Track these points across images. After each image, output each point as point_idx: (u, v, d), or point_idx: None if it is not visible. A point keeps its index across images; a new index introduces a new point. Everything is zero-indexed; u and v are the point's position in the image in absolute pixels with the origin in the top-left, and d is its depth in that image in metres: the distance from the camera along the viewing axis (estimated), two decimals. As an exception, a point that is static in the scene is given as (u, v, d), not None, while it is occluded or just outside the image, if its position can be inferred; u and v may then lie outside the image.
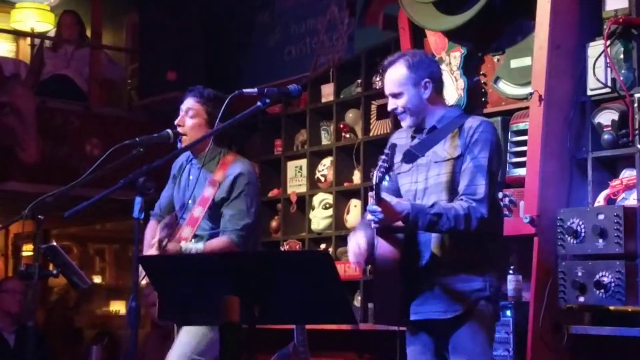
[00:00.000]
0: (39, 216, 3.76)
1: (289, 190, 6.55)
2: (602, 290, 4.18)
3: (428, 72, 3.65)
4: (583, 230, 4.27)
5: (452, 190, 3.55)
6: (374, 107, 6.07)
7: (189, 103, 4.34)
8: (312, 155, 6.42)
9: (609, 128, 4.39)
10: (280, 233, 6.54)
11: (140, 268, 3.34)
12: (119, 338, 8.45)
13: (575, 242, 4.30)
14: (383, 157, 3.38)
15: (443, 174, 3.57)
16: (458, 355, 3.52)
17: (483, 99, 4.92)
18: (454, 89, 4.91)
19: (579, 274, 4.28)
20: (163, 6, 7.49)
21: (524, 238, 4.44)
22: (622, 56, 4.39)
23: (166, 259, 3.75)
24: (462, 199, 3.50)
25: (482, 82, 4.93)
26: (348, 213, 6.13)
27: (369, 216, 3.45)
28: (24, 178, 7.08)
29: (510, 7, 4.77)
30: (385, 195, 3.41)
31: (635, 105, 4.28)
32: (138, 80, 7.95)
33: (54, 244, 4.08)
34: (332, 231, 6.19)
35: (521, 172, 4.59)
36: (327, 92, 6.40)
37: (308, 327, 5.42)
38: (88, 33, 8.19)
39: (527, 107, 4.62)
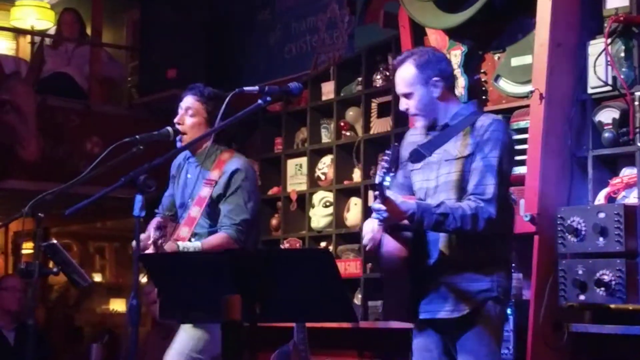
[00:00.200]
0: (39, 214, 3.76)
1: (289, 189, 6.55)
2: (603, 289, 4.17)
3: (437, 71, 3.62)
4: (583, 229, 4.27)
5: (462, 189, 3.52)
6: (374, 105, 6.07)
7: (189, 102, 4.33)
8: (312, 153, 6.42)
9: (610, 126, 4.39)
10: (280, 231, 6.54)
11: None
12: (119, 336, 8.45)
13: (575, 240, 4.30)
14: (385, 157, 3.36)
15: (453, 172, 3.54)
16: (465, 357, 3.51)
17: (484, 97, 4.92)
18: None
19: (580, 272, 4.27)
20: (163, 4, 7.48)
21: (524, 236, 4.43)
22: (622, 54, 4.39)
23: (167, 257, 3.75)
24: (470, 199, 3.47)
25: (483, 80, 4.93)
26: (348, 211, 6.13)
27: (374, 214, 3.44)
28: (24, 176, 7.08)
29: (511, 5, 4.76)
30: (390, 194, 3.37)
31: (636, 103, 4.28)
32: (138, 78, 7.95)
33: (55, 241, 4.07)
34: (332, 229, 6.19)
35: (522, 170, 4.58)
36: (328, 90, 6.39)
37: (308, 325, 5.42)
38: (88, 31, 8.19)
39: (527, 106, 4.61)
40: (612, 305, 4.17)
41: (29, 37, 8.89)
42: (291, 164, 6.59)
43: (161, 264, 3.40)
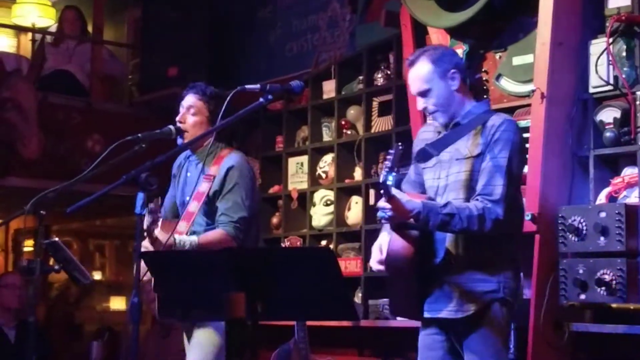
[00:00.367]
0: (41, 211, 3.76)
1: (290, 187, 6.55)
2: (604, 288, 4.17)
3: (453, 63, 3.61)
4: (584, 228, 4.26)
5: (471, 189, 3.50)
6: (375, 104, 6.07)
7: (191, 100, 4.31)
8: (313, 151, 6.42)
9: (611, 126, 4.39)
10: (281, 229, 6.54)
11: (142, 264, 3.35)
12: (120, 334, 8.45)
13: (576, 239, 4.30)
14: (388, 156, 3.34)
15: (462, 172, 3.53)
16: (470, 357, 3.50)
17: (485, 97, 4.91)
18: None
19: (580, 271, 4.27)
20: (164, 2, 7.49)
21: (525, 235, 4.43)
22: (624, 54, 4.38)
23: (168, 255, 3.74)
24: (478, 199, 3.46)
25: (484, 79, 4.92)
26: (349, 210, 6.13)
27: (379, 213, 3.43)
28: (25, 173, 7.08)
29: (513, 4, 4.76)
30: (396, 192, 3.36)
31: (638, 103, 4.28)
32: (139, 76, 7.94)
33: (56, 239, 4.07)
34: (333, 228, 6.19)
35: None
36: (329, 89, 6.40)
37: (308, 323, 5.43)
38: (89, 28, 8.18)
39: (529, 105, 4.61)
40: (613, 305, 4.17)
41: (30, 35, 8.88)
42: (292, 162, 6.59)
43: (162, 261, 3.40)
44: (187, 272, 3.24)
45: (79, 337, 9.36)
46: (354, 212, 6.08)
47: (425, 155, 3.57)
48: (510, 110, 4.77)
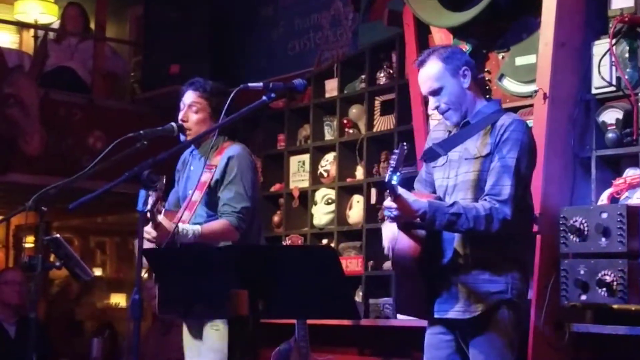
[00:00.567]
0: (42, 208, 3.76)
1: (292, 185, 6.55)
2: (605, 289, 4.17)
3: (464, 61, 3.60)
4: (586, 229, 4.26)
5: (479, 189, 3.49)
6: (377, 103, 6.07)
7: (192, 97, 4.29)
8: (315, 150, 6.42)
9: (613, 127, 4.39)
10: (282, 228, 6.54)
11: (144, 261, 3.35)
12: (120, 331, 8.45)
13: (578, 240, 4.29)
14: (393, 155, 3.33)
15: (471, 171, 3.52)
16: (476, 357, 3.50)
17: (487, 96, 4.91)
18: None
19: (582, 272, 4.26)
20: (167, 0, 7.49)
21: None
22: (627, 55, 4.38)
23: (170, 252, 3.74)
24: (485, 199, 3.45)
25: (487, 79, 4.92)
26: (350, 209, 6.13)
27: (385, 212, 3.43)
28: (27, 170, 7.08)
29: (516, 5, 4.75)
30: (402, 192, 3.35)
31: (640, 104, 4.28)
32: (141, 73, 7.95)
33: (57, 235, 4.07)
34: (334, 226, 6.19)
35: (525, 169, 4.58)
36: (331, 88, 6.39)
37: (309, 321, 5.42)
38: (92, 25, 8.18)
39: (531, 105, 4.61)
40: (614, 306, 4.17)
41: (32, 31, 8.89)
42: (294, 160, 6.59)
43: (163, 258, 3.40)
44: (189, 269, 3.24)
45: (79, 333, 9.36)
46: (355, 211, 6.08)
47: (431, 154, 3.56)
48: (512, 111, 4.73)
